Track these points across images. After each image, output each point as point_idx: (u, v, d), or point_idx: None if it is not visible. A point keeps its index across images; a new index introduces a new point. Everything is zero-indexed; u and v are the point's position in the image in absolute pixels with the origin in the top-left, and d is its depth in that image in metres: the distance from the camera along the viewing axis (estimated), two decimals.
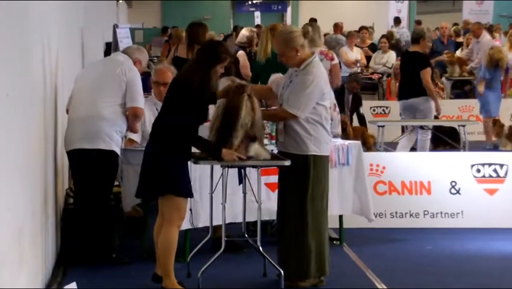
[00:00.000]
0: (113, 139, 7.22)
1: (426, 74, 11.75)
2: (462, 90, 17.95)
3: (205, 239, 6.88)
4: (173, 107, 6.34)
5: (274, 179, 7.28)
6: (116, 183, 7.69)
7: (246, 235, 6.99)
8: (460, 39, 20.20)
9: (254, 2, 37.13)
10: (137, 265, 7.26)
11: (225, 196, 6.67)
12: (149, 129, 6.86)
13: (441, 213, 9.11)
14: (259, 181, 6.62)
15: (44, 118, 6.52)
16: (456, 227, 9.01)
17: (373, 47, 19.76)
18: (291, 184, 6.65)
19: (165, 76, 8.01)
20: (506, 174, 9.21)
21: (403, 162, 9.32)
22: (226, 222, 6.69)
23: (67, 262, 7.22)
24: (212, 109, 6.63)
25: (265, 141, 7.01)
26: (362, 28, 20.63)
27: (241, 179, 6.87)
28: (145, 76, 8.12)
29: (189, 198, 6.55)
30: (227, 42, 11.43)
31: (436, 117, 13.04)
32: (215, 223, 6.87)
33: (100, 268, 7.17)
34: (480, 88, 14.63)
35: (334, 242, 8.14)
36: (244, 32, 11.36)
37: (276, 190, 6.96)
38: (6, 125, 4.66)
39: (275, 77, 7.60)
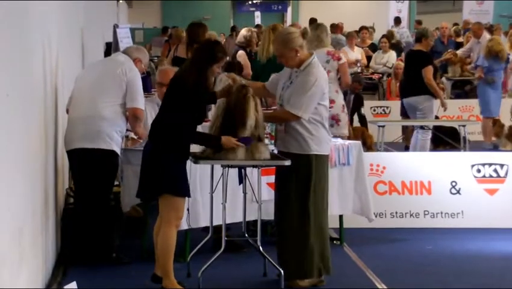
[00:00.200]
0: (113, 139, 7.22)
1: (428, 72, 11.78)
2: (462, 90, 17.94)
3: (205, 239, 6.88)
4: (170, 106, 6.36)
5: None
6: (116, 183, 7.70)
7: (246, 235, 6.99)
8: (460, 39, 20.19)
9: (254, 2, 37.13)
10: (137, 265, 7.26)
11: (225, 196, 6.67)
12: None
13: (442, 213, 9.11)
14: (259, 181, 6.63)
15: (44, 118, 6.52)
16: (456, 227, 9.01)
17: (374, 47, 19.77)
18: (292, 184, 6.65)
19: (168, 77, 7.96)
20: (506, 174, 9.21)
21: (403, 162, 9.32)
22: (226, 222, 6.69)
23: (67, 262, 7.22)
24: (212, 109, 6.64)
25: (266, 141, 7.01)
26: (362, 28, 20.65)
27: (242, 178, 6.87)
28: (145, 76, 8.10)
29: (187, 198, 6.55)
30: (230, 42, 11.43)
31: (436, 117, 13.05)
32: (215, 223, 6.87)
33: (100, 268, 7.17)
34: (479, 75, 14.58)
35: (334, 242, 8.14)
36: (243, 32, 11.39)
37: None
38: (6, 125, 4.66)
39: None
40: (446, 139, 12.79)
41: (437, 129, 12.72)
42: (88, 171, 7.20)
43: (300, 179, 6.63)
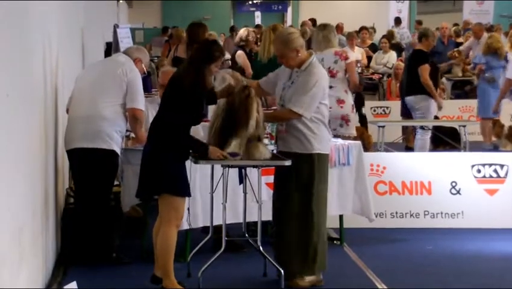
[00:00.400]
0: (113, 139, 7.22)
1: (424, 70, 11.78)
2: (462, 90, 17.94)
3: (205, 239, 6.88)
4: (168, 106, 6.36)
5: None
6: (116, 183, 7.70)
7: (246, 235, 7.00)
8: (460, 39, 20.19)
9: (254, 2, 37.12)
10: (137, 265, 7.26)
11: (226, 196, 6.67)
12: None
13: (442, 213, 9.11)
14: (259, 181, 6.63)
15: (44, 118, 6.52)
16: (456, 227, 9.00)
17: (374, 48, 19.77)
18: (293, 184, 6.66)
19: None
20: (506, 174, 9.21)
21: (403, 163, 9.32)
22: (227, 222, 6.69)
23: (67, 262, 7.22)
24: (212, 109, 6.64)
25: (265, 141, 7.01)
26: (362, 29, 20.64)
27: (242, 179, 6.87)
28: (145, 76, 8.10)
29: (187, 198, 6.55)
30: (229, 42, 11.45)
31: (436, 117, 13.05)
32: (215, 223, 6.87)
33: (100, 268, 7.17)
34: (478, 71, 14.55)
35: (335, 242, 8.15)
36: (240, 33, 11.42)
37: None
38: (6, 125, 4.66)
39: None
40: (446, 139, 12.79)
41: (437, 129, 12.73)
42: (88, 171, 7.20)
43: (303, 179, 6.63)
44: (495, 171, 9.20)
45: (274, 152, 6.83)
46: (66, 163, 7.91)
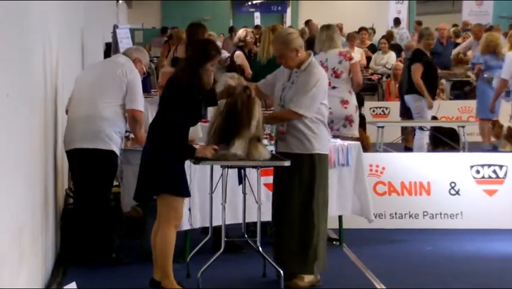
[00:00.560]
0: (113, 140, 7.23)
1: (416, 69, 11.76)
2: (461, 90, 17.94)
3: (205, 240, 6.88)
4: (167, 106, 6.37)
5: None
6: (116, 183, 7.70)
7: (246, 236, 7.00)
8: (459, 40, 20.19)
9: (254, 2, 37.14)
10: (137, 265, 7.26)
11: (225, 197, 6.68)
12: None
13: (441, 214, 9.11)
14: (259, 182, 6.63)
15: (44, 118, 6.52)
16: (455, 228, 9.01)
17: (373, 48, 19.77)
18: (294, 184, 6.66)
19: None
20: (505, 175, 9.21)
21: (402, 163, 9.33)
22: (226, 223, 6.69)
23: (67, 262, 7.23)
24: (211, 110, 6.64)
25: (265, 142, 7.02)
26: (361, 29, 20.65)
27: (241, 179, 6.87)
28: (144, 77, 8.11)
29: (187, 198, 6.56)
30: (228, 43, 11.48)
31: (435, 118, 13.05)
32: (215, 224, 6.87)
33: (100, 268, 7.17)
34: (477, 71, 14.53)
35: (334, 242, 8.15)
36: (239, 33, 11.44)
37: None
38: (6, 125, 4.67)
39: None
40: (445, 140, 12.79)
41: (436, 130, 12.73)
42: (87, 171, 7.21)
43: (304, 179, 6.64)
44: (494, 171, 9.21)
45: (273, 152, 6.83)
46: (66, 163, 7.92)
